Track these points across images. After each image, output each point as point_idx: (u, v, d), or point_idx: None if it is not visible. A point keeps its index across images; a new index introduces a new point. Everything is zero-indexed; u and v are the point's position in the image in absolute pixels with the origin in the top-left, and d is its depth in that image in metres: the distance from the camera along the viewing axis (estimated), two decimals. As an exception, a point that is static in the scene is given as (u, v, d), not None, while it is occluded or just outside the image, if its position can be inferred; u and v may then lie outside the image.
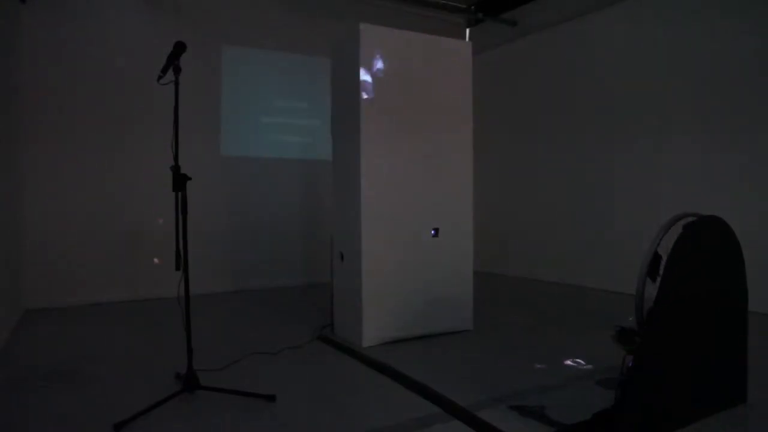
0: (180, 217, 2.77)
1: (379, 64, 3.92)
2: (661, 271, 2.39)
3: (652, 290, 2.40)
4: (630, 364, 2.37)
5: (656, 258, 2.45)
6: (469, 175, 4.37)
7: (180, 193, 2.75)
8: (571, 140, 6.62)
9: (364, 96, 3.87)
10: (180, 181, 2.74)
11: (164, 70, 2.76)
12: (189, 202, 2.80)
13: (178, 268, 2.74)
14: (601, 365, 3.29)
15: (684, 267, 2.41)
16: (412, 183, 4.07)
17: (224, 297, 5.95)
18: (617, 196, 6.05)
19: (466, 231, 4.35)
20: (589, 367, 3.30)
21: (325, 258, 4.69)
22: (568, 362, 3.39)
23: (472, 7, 7.66)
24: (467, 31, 8.12)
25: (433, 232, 4.17)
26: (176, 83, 2.76)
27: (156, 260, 5.47)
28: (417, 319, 4.08)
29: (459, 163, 4.32)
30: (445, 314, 4.22)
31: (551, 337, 4.22)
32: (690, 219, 2.50)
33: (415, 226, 4.10)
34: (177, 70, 2.77)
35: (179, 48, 2.79)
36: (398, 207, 4.01)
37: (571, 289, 6.31)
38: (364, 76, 3.86)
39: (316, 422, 2.64)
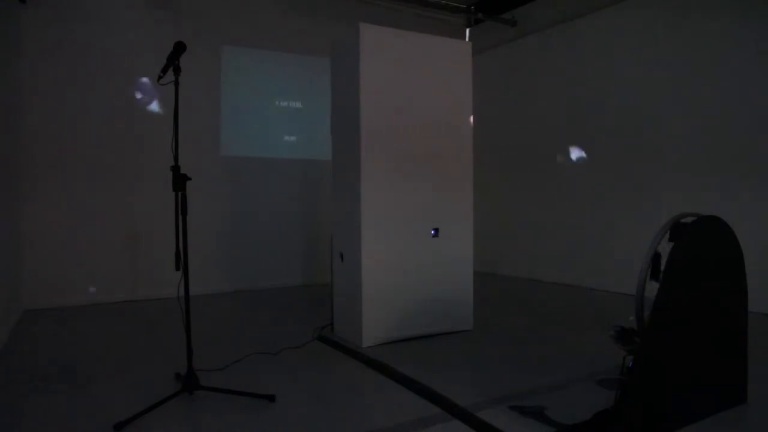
0: (180, 217, 2.77)
1: (378, 64, 3.92)
2: (662, 270, 2.39)
3: (652, 290, 2.40)
4: (630, 364, 2.37)
5: (657, 257, 2.45)
6: (469, 174, 4.38)
7: (180, 193, 2.76)
8: (572, 140, 6.62)
9: (364, 96, 3.86)
10: (180, 181, 2.74)
11: (164, 70, 2.76)
12: (189, 202, 2.80)
13: (178, 268, 2.74)
14: (601, 365, 3.29)
15: (684, 267, 2.41)
16: (412, 183, 4.07)
17: (224, 297, 5.95)
18: (618, 197, 6.05)
19: (466, 231, 4.36)
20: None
21: (325, 258, 4.70)
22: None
23: (472, 7, 7.66)
24: (467, 31, 8.12)
25: (433, 232, 4.17)
26: (176, 83, 2.77)
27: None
28: (417, 319, 4.08)
29: (459, 162, 4.32)
30: (445, 314, 4.22)
31: (551, 337, 4.22)
32: (690, 219, 2.50)
33: (415, 226, 4.10)
34: (177, 70, 2.78)
35: (179, 48, 2.80)
36: (398, 207, 4.01)
37: (571, 289, 6.31)
38: (364, 76, 3.86)
39: (316, 422, 2.64)
